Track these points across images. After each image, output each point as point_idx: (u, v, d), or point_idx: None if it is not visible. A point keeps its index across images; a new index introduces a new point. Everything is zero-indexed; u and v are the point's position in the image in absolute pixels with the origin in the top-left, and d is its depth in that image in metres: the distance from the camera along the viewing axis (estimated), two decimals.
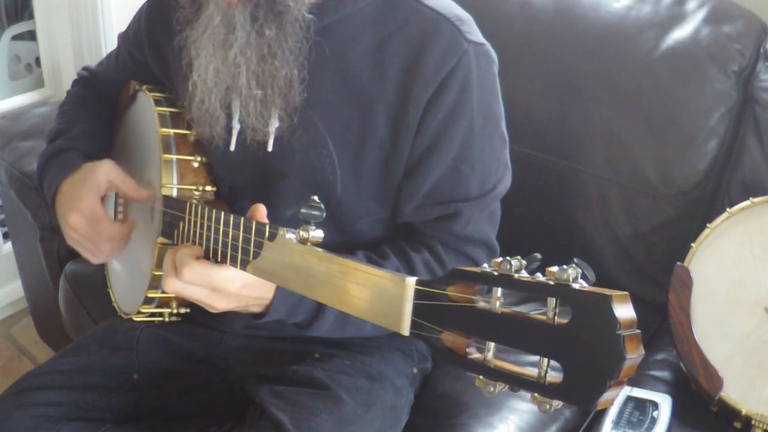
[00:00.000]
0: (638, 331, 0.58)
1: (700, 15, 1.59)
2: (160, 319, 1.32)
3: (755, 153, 1.56)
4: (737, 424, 1.33)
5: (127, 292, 1.39)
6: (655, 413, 1.30)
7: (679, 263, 1.43)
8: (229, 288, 1.02)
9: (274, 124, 1.14)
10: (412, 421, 1.33)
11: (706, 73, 1.55)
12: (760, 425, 1.29)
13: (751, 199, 1.42)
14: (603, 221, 1.67)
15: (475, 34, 1.15)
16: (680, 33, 1.58)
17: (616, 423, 1.28)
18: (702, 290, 1.41)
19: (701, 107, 1.55)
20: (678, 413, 1.33)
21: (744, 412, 1.30)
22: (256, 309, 1.09)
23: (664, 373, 1.48)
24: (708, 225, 1.44)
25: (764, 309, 1.36)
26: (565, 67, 1.66)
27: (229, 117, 1.17)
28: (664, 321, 1.54)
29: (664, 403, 1.32)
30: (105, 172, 1.26)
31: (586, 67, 1.64)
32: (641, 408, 1.32)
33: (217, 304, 1.04)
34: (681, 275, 1.41)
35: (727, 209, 1.43)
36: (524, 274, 0.64)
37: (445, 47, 1.11)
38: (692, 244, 1.43)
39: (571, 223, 1.71)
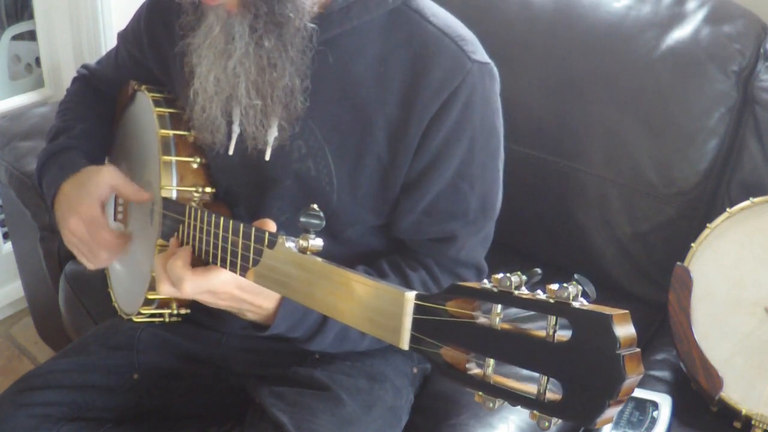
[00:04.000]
0: (638, 350, 0.58)
1: (700, 15, 1.58)
2: (161, 319, 1.32)
3: (755, 153, 1.56)
4: (737, 424, 1.33)
5: (127, 293, 1.39)
6: (655, 413, 1.31)
7: (679, 263, 1.43)
8: (225, 289, 1.05)
9: (273, 134, 1.14)
10: (412, 421, 1.33)
11: (706, 73, 1.55)
12: (760, 425, 1.30)
13: (751, 199, 1.42)
14: (603, 221, 1.67)
15: (479, 53, 1.14)
16: (680, 33, 1.58)
17: (617, 423, 1.29)
18: (702, 290, 1.41)
19: (701, 107, 1.55)
20: (678, 413, 1.33)
21: (744, 412, 1.31)
22: (252, 316, 1.11)
23: (664, 373, 1.48)
24: (708, 225, 1.44)
25: (764, 309, 1.36)
26: (565, 67, 1.66)
27: (230, 124, 1.17)
28: (664, 321, 1.55)
29: (664, 403, 1.33)
30: (107, 177, 1.26)
31: (586, 67, 1.63)
32: (641, 408, 1.32)
33: (219, 302, 1.07)
34: (681, 275, 1.42)
35: (727, 209, 1.44)
36: (524, 290, 0.64)
37: (448, 67, 1.10)
38: (692, 244, 1.44)
39: (571, 223, 1.71)
